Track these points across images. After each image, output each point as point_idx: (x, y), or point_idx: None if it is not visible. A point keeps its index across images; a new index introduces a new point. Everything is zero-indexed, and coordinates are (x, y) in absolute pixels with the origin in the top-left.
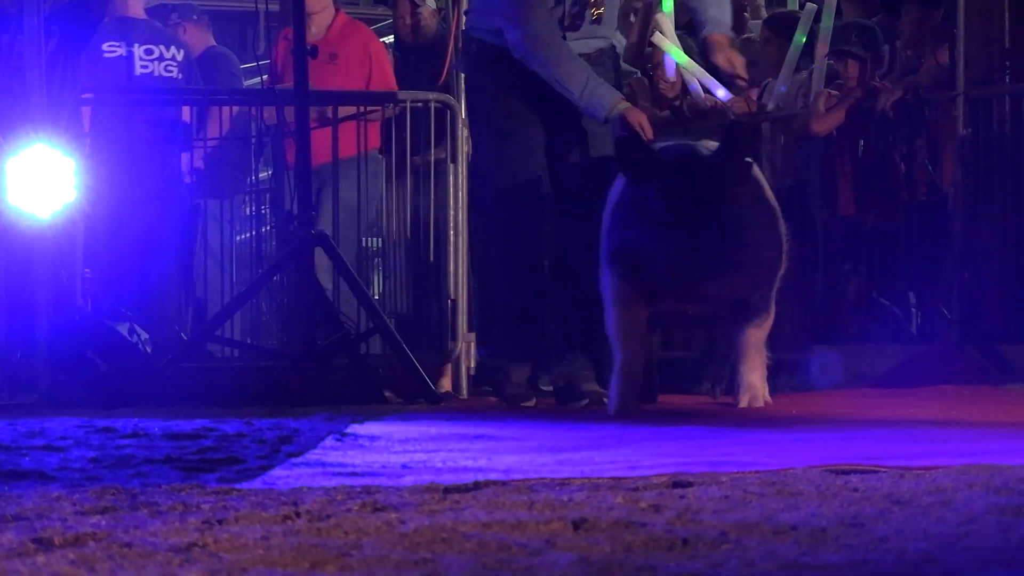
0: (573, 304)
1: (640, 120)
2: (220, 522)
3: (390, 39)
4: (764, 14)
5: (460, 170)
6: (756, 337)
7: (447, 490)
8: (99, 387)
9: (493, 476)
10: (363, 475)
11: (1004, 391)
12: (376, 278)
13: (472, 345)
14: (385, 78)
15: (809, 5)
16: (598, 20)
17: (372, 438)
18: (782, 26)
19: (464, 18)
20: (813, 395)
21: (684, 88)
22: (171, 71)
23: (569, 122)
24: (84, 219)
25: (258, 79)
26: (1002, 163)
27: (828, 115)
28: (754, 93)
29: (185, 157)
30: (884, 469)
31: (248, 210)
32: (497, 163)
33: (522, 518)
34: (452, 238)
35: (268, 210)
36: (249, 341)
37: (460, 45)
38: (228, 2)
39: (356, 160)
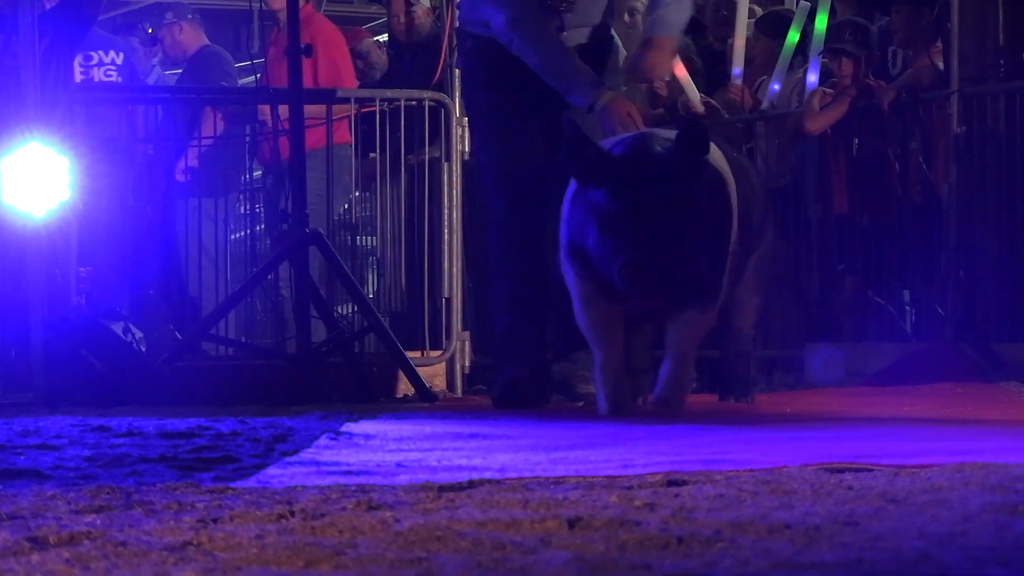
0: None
1: (628, 110)
2: (215, 521)
3: (384, 38)
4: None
5: (455, 169)
6: (692, 324)
7: (442, 489)
8: (94, 386)
9: (488, 475)
10: (358, 474)
11: (999, 389)
12: (371, 277)
13: (467, 344)
14: (335, 72)
15: (803, 3)
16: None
17: (367, 436)
18: (774, 26)
19: (458, 15)
20: (807, 393)
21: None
22: (111, 75)
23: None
24: (78, 217)
25: (252, 78)
26: (996, 161)
27: (822, 113)
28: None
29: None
30: (879, 467)
31: (242, 209)
32: (497, 161)
33: (517, 517)
34: (447, 237)
35: (262, 209)
36: (244, 340)
37: (455, 43)
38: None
39: (324, 152)
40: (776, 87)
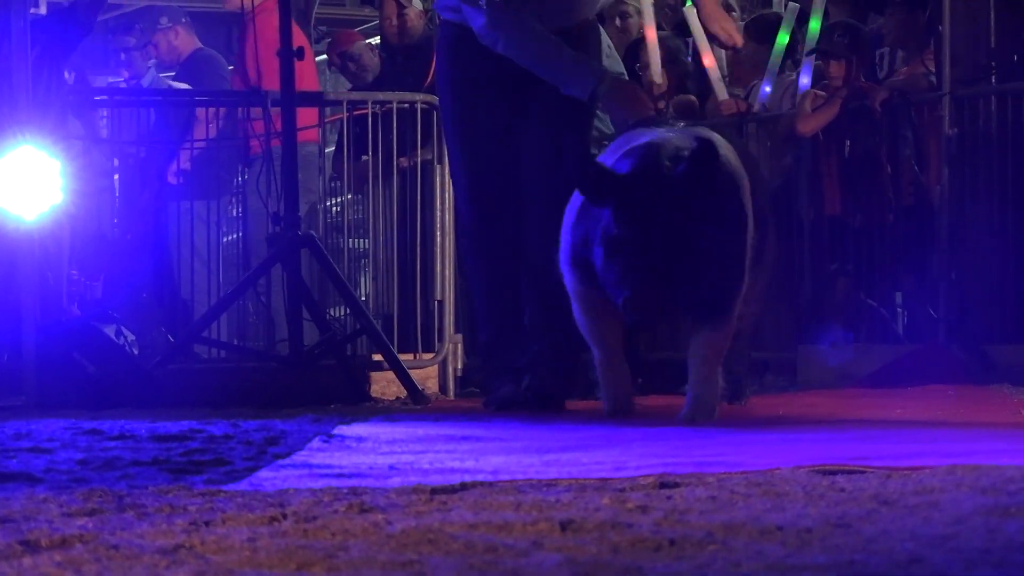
0: (538, 301)
1: (635, 94)
2: (207, 524)
3: (376, 40)
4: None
5: (446, 171)
6: (710, 346)
7: (434, 491)
8: (86, 389)
9: (480, 477)
10: (350, 476)
11: (990, 391)
12: (363, 279)
13: (459, 346)
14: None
15: (791, 5)
16: None
17: (359, 439)
18: (762, 29)
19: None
20: (799, 395)
21: (673, 88)
22: None
23: (539, 104)
24: (70, 221)
25: None
26: (988, 163)
27: (814, 115)
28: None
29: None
30: (871, 469)
31: (235, 211)
32: (463, 165)
33: (509, 519)
34: (439, 239)
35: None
36: (236, 343)
37: None
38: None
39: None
40: (767, 90)
